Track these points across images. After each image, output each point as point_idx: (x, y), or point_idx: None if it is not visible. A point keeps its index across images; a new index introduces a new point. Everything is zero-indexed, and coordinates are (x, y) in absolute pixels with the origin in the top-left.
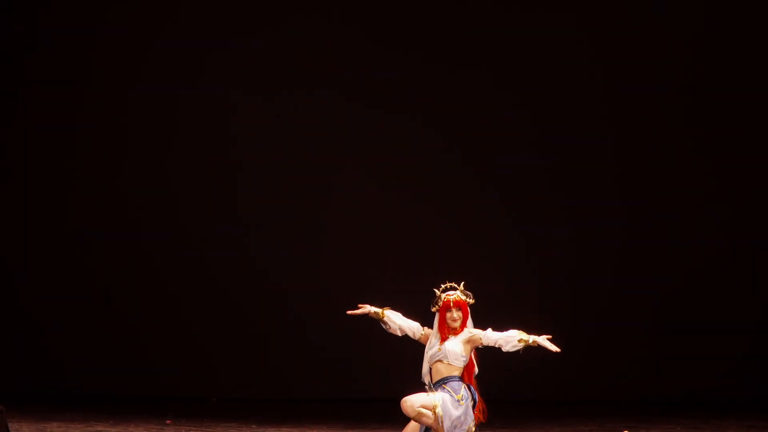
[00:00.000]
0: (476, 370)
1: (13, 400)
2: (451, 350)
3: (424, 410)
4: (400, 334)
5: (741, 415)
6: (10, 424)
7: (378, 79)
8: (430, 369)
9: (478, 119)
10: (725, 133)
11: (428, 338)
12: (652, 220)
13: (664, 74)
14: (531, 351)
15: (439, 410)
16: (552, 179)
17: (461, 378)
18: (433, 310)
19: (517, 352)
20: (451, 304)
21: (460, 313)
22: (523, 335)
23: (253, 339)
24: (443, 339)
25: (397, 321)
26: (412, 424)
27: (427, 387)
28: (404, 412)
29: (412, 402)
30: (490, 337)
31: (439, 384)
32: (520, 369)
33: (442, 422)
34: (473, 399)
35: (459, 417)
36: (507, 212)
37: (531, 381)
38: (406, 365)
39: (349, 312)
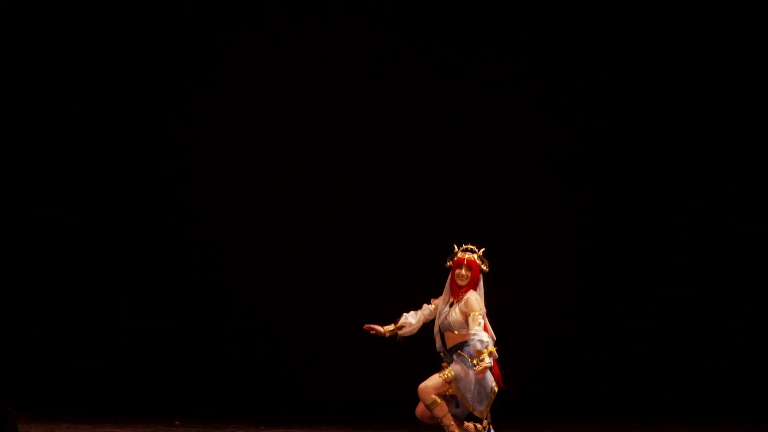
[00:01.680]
0: (491, 332)
1: (21, 401)
2: (454, 320)
3: (438, 399)
4: (419, 327)
5: (750, 416)
6: (18, 425)
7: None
8: (443, 336)
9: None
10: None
11: (437, 305)
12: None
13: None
14: (540, 352)
15: (455, 386)
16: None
17: None
18: (447, 264)
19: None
20: (464, 262)
21: (469, 272)
22: (484, 354)
23: (259, 339)
24: (454, 296)
25: (413, 321)
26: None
27: (442, 355)
28: (422, 399)
29: (429, 390)
30: (471, 328)
31: (455, 350)
32: (525, 369)
33: (464, 396)
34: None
35: (479, 383)
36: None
37: (537, 381)
38: (413, 366)
39: (366, 326)
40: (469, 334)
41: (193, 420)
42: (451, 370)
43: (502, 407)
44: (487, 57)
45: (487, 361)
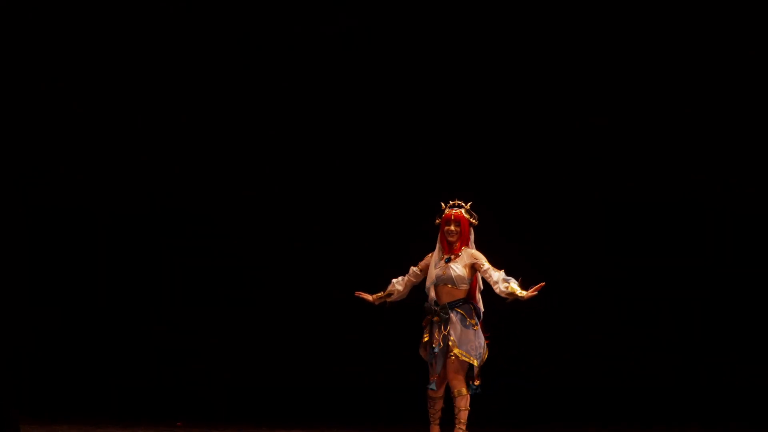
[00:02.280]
0: (481, 286)
1: (23, 403)
2: (457, 275)
3: (465, 390)
4: (408, 292)
5: (752, 416)
6: (21, 426)
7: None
8: (437, 290)
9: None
10: None
11: (428, 264)
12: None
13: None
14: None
15: (461, 351)
16: None
17: (468, 298)
18: (436, 222)
19: (504, 298)
20: (452, 217)
21: (458, 227)
22: (516, 288)
23: (260, 338)
24: (447, 252)
25: (401, 288)
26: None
27: (436, 310)
28: (454, 387)
29: (461, 378)
30: (491, 275)
31: (453, 307)
32: (524, 369)
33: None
34: (480, 317)
35: (476, 342)
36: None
37: (536, 380)
38: (417, 367)
39: (357, 293)
40: (496, 284)
41: (194, 420)
42: (455, 347)
43: (503, 407)
44: (486, 53)
45: (521, 292)
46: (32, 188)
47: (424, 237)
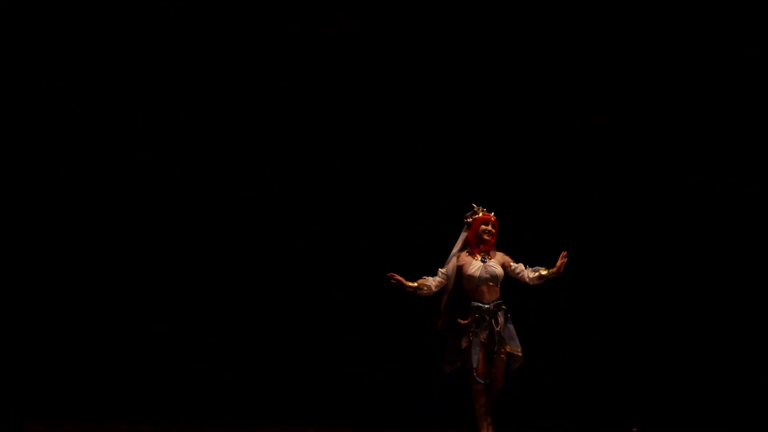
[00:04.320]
0: None
1: (24, 403)
2: (499, 273)
3: None
4: (433, 292)
5: (753, 415)
6: (23, 426)
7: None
8: (478, 290)
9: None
10: None
11: (455, 266)
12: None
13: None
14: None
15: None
16: None
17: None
18: (468, 220)
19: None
20: (490, 219)
21: (494, 230)
22: (545, 271)
23: (263, 338)
24: (479, 252)
25: (432, 287)
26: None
27: (489, 308)
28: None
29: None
30: (522, 270)
31: (499, 305)
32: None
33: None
34: None
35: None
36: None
37: (536, 380)
38: (417, 364)
39: (391, 274)
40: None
41: (194, 420)
42: (506, 344)
43: (502, 407)
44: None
45: (549, 271)
46: (32, 188)
47: (424, 237)
